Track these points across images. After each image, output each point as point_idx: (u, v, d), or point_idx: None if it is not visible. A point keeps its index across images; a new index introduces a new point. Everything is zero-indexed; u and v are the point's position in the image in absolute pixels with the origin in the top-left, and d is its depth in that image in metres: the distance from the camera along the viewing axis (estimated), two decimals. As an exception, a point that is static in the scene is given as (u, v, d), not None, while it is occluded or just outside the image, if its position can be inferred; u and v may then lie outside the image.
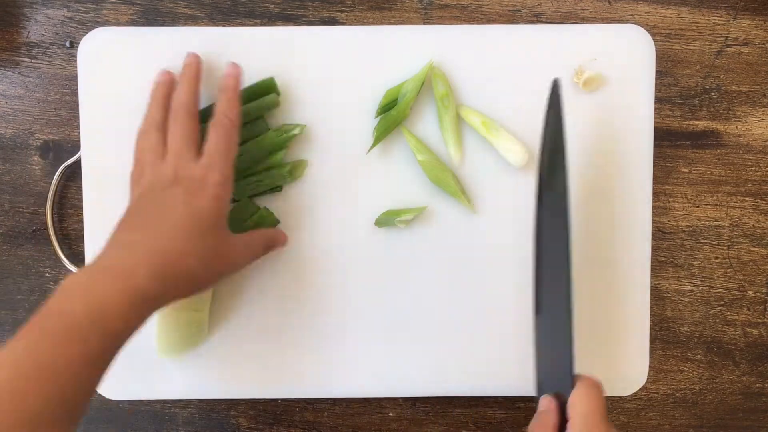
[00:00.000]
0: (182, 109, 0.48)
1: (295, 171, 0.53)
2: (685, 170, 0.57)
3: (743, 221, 0.58)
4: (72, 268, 0.55)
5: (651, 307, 0.55)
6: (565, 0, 0.56)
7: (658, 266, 0.57)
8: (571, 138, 0.53)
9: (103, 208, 0.53)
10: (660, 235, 0.57)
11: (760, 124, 0.57)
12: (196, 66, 0.50)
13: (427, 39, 0.53)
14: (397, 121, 0.52)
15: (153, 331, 0.52)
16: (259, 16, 0.56)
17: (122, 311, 0.39)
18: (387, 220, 0.53)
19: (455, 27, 0.54)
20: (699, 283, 0.58)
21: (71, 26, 0.56)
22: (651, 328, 0.55)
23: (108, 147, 0.53)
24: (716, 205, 0.58)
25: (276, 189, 0.53)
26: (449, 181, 0.52)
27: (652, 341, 0.56)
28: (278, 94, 0.52)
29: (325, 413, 0.58)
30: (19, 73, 0.56)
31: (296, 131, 0.52)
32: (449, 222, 0.54)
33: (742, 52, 0.57)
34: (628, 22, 0.56)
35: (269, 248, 0.51)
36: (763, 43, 0.57)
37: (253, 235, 0.49)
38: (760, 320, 0.58)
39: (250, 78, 0.52)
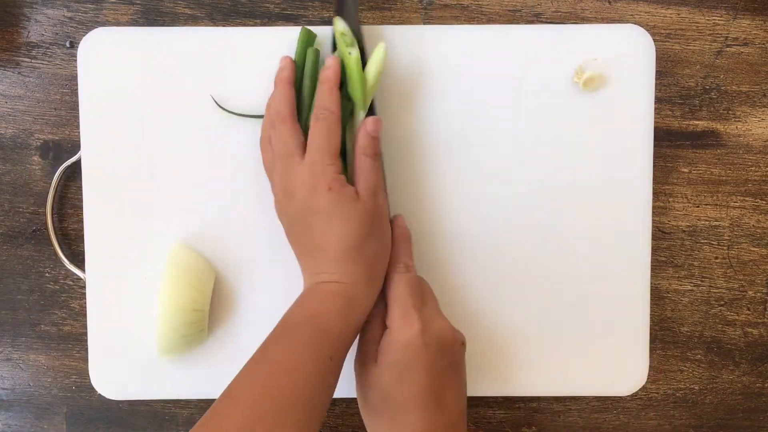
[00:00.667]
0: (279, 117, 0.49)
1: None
2: (685, 170, 0.57)
3: (743, 221, 0.58)
4: (72, 268, 0.55)
5: (651, 307, 0.55)
6: (565, 0, 0.56)
7: (658, 266, 0.57)
8: (570, 138, 0.54)
9: (103, 208, 0.53)
10: (660, 235, 0.57)
11: (760, 124, 0.57)
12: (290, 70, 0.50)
13: (427, 39, 0.53)
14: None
15: (153, 331, 0.52)
16: (259, 16, 0.56)
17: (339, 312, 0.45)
18: None
19: (455, 27, 0.54)
20: (699, 283, 0.58)
21: (71, 26, 0.56)
22: (651, 328, 0.55)
23: (108, 147, 0.53)
24: (716, 205, 0.58)
25: None
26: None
27: (652, 341, 0.56)
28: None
29: (325, 413, 0.58)
30: (19, 73, 0.56)
31: None
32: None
33: (742, 52, 0.57)
34: (628, 22, 0.56)
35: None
36: (763, 43, 0.57)
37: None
38: (760, 320, 0.58)
39: (247, 78, 0.52)
